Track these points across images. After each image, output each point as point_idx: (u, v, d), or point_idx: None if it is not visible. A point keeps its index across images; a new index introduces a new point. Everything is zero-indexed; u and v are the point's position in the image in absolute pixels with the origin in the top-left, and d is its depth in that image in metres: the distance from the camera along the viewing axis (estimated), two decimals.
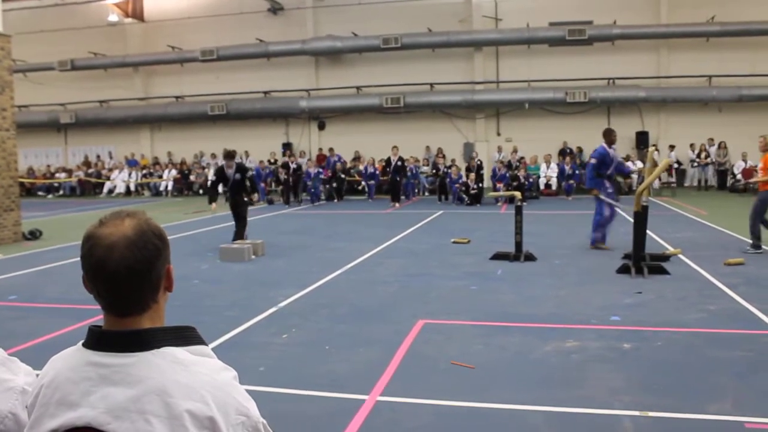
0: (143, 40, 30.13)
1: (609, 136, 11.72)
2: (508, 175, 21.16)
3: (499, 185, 20.33)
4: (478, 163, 21.81)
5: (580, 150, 24.90)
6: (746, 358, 5.41)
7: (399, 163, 21.43)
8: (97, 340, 1.46)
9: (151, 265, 1.46)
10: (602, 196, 11.36)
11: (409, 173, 22.96)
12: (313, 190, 22.56)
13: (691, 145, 24.51)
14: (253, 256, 10.97)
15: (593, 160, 11.52)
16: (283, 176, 22.52)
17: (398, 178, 21.18)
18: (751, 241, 10.73)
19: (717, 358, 5.43)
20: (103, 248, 1.43)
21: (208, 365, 1.48)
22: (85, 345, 1.48)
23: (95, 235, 1.46)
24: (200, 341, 1.54)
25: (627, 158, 24.68)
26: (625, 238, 11.16)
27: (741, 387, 4.77)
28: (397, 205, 20.27)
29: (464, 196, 20.56)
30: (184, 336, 1.51)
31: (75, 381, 1.43)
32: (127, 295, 1.45)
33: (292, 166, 22.38)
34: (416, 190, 24.04)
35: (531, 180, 22.94)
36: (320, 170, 23.41)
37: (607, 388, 4.80)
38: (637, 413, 4.31)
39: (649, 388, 4.76)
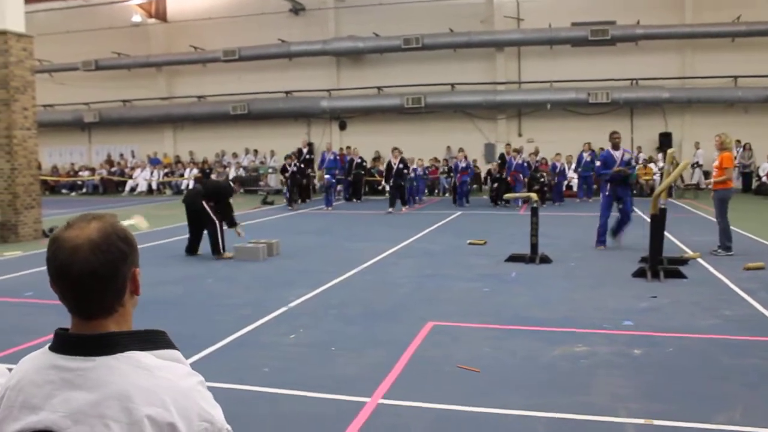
0: (166, 41, 30.37)
1: (613, 138, 11.82)
2: (525, 164, 20.18)
3: (516, 176, 19.60)
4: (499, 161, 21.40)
5: (603, 150, 24.60)
6: (759, 366, 5.29)
7: (401, 166, 19.14)
8: (62, 343, 1.45)
9: (116, 268, 1.45)
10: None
11: (412, 174, 20.99)
12: (325, 193, 20.48)
13: (696, 144, 24.14)
14: (267, 256, 10.98)
15: (598, 163, 12.02)
16: (282, 179, 21.06)
17: (402, 183, 19.15)
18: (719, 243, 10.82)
19: (729, 365, 5.32)
20: (67, 251, 1.42)
21: (173, 370, 1.45)
22: (51, 348, 1.47)
23: (60, 238, 1.45)
24: (169, 345, 1.52)
25: (650, 159, 24.45)
26: (643, 241, 11.01)
27: (752, 396, 4.67)
28: (391, 210, 18.46)
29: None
30: (152, 340, 1.49)
31: (38, 384, 1.42)
32: (92, 299, 1.43)
33: (291, 168, 20.56)
34: (416, 197, 22.00)
35: (555, 181, 22.57)
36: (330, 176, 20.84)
37: (614, 394, 4.72)
38: (642, 421, 4.22)
39: (657, 396, 4.68)
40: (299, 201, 21.05)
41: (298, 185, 21.08)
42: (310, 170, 22.89)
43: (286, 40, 27.97)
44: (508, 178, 19.80)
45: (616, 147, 11.69)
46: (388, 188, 19.87)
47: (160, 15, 30.40)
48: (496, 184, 20.64)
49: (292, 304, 7.52)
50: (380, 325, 6.69)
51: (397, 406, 4.52)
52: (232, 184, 11.85)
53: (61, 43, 28.56)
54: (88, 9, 29.47)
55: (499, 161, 21.08)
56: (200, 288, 8.66)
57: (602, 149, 24.01)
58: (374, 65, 27.94)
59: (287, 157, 21.28)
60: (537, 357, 5.60)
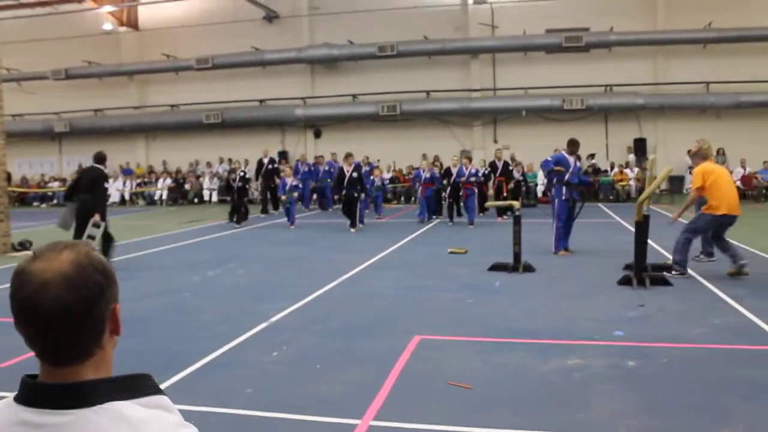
0: (138, 49, 29.94)
1: (571, 146, 11.94)
2: (482, 174, 18.18)
3: (470, 188, 16.97)
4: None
5: (578, 158, 24.67)
6: (758, 377, 5.16)
7: (355, 174, 16.33)
8: (30, 394, 1.23)
9: (92, 305, 1.23)
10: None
11: (370, 185, 18.63)
12: (287, 206, 17.22)
13: (689, 152, 24.29)
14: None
15: (549, 158, 11.94)
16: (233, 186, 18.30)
17: (355, 194, 16.16)
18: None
19: (725, 377, 5.19)
20: (34, 286, 1.20)
21: (162, 422, 1.23)
22: (16, 399, 1.25)
23: (25, 271, 1.23)
24: (155, 391, 1.29)
25: (626, 165, 24.56)
26: (625, 248, 10.94)
27: (752, 409, 4.52)
28: (352, 230, 15.90)
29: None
30: (135, 386, 1.27)
31: None
32: (63, 341, 1.22)
33: (236, 184, 18.02)
34: (378, 211, 19.91)
35: (528, 186, 22.73)
36: (298, 184, 18.86)
37: (612, 410, 4.56)
38: None
39: (656, 411, 4.52)
40: (247, 216, 18.31)
41: (242, 200, 18.33)
42: (272, 183, 21.41)
43: (259, 48, 27.73)
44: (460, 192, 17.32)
45: (573, 153, 11.86)
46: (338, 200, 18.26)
47: (132, 23, 30.00)
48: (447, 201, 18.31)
49: (273, 319, 7.27)
50: (365, 339, 6.48)
51: (390, 428, 4.31)
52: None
53: (29, 51, 28.03)
54: (57, 17, 28.96)
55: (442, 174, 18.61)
56: (176, 303, 8.38)
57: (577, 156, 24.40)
58: (349, 73, 27.77)
59: (231, 171, 19.15)
60: (529, 371, 5.43)
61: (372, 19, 26.60)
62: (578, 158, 12.46)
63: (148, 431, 1.20)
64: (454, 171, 17.43)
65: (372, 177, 19.62)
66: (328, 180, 21.90)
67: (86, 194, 11.02)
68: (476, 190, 17.32)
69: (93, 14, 29.26)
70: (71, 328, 1.21)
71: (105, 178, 11.49)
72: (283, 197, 17.27)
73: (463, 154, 18.96)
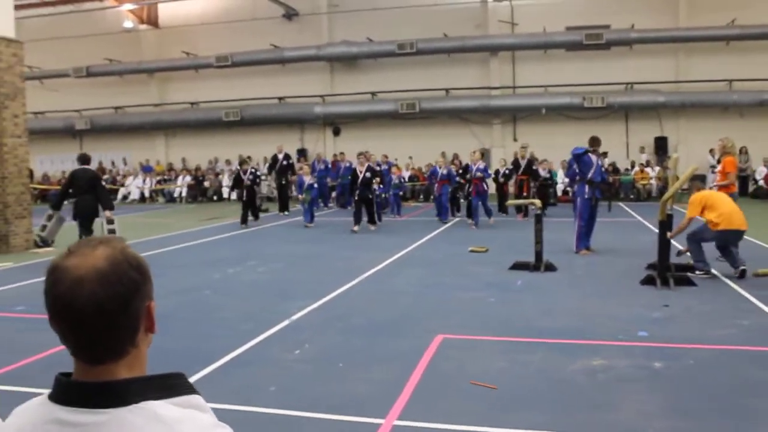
0: (158, 47, 30.09)
1: (593, 143, 11.84)
2: (503, 172, 18.28)
3: (479, 184, 16.22)
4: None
5: (605, 155, 24.51)
6: None
7: (368, 174, 15.83)
8: (64, 393, 1.21)
9: (127, 302, 1.21)
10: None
11: (376, 187, 17.23)
12: (306, 205, 16.66)
13: (711, 151, 24.03)
14: None
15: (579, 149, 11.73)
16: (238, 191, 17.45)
17: (369, 195, 15.70)
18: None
19: (756, 379, 5.11)
20: (69, 283, 1.18)
21: (196, 422, 1.21)
22: (51, 398, 1.22)
23: (60, 267, 1.21)
24: (189, 390, 1.27)
25: (647, 164, 24.33)
26: (647, 247, 10.83)
27: None
28: (356, 228, 15.32)
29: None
30: (170, 386, 1.25)
31: None
32: (98, 339, 1.20)
33: (246, 178, 17.06)
34: (394, 210, 19.60)
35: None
36: (314, 184, 18.05)
37: (639, 411, 4.50)
38: None
39: (684, 413, 4.46)
40: (255, 217, 17.47)
41: (252, 198, 17.32)
42: (284, 179, 20.99)
43: (279, 46, 27.75)
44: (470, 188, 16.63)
45: (594, 151, 11.81)
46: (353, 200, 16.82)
47: (152, 21, 30.15)
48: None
49: (294, 317, 7.27)
50: (387, 338, 6.45)
51: (414, 428, 4.27)
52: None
53: (51, 49, 28.24)
54: (79, 15, 29.18)
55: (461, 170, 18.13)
56: (198, 301, 8.39)
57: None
58: (368, 70, 27.73)
59: (242, 163, 17.90)
60: (554, 371, 5.37)
61: (391, 16, 26.54)
62: (605, 155, 12.38)
63: (183, 431, 1.18)
64: (473, 167, 16.76)
65: (391, 175, 19.34)
66: (349, 177, 21.54)
67: (87, 194, 11.36)
68: (486, 187, 16.64)
69: (114, 12, 29.44)
70: (106, 326, 1.19)
71: (100, 177, 11.80)
72: (301, 196, 16.87)
73: (476, 151, 17.31)
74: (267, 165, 23.10)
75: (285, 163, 21.25)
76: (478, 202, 16.26)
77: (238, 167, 18.24)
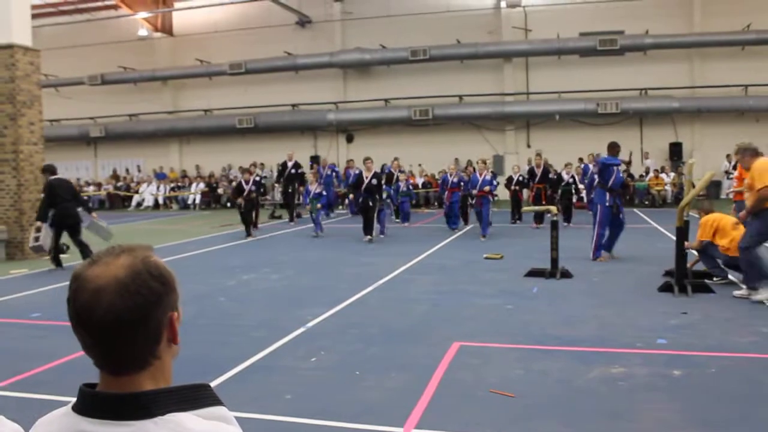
0: (172, 54, 30.30)
1: (612, 149, 11.63)
2: (518, 178, 17.72)
3: (483, 196, 15.25)
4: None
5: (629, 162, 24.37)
6: None
7: (374, 181, 15.10)
8: (88, 404, 1.19)
9: (147, 314, 1.19)
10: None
11: (395, 191, 18.03)
12: (313, 216, 16.16)
13: (727, 156, 23.85)
14: None
15: (595, 168, 11.55)
16: (240, 200, 16.25)
17: (371, 203, 14.85)
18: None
19: None
20: (89, 293, 1.17)
21: None
22: (74, 408, 1.20)
23: (81, 277, 1.20)
24: (214, 401, 1.25)
25: (662, 170, 24.17)
26: (663, 254, 10.74)
27: None
28: (366, 239, 14.75)
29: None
30: (195, 397, 1.22)
31: None
32: (118, 350, 1.18)
33: (249, 187, 16.23)
34: (404, 218, 18.93)
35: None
36: (322, 192, 17.24)
37: (661, 421, 4.43)
38: None
39: (707, 423, 4.39)
40: (255, 226, 16.77)
41: (255, 207, 16.75)
42: (291, 188, 20.03)
43: (292, 53, 27.86)
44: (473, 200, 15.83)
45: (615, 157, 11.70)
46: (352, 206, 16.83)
47: (167, 29, 30.34)
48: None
49: (309, 325, 7.24)
50: (404, 345, 6.41)
51: None
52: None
53: (67, 57, 28.54)
54: (94, 23, 29.44)
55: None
56: (212, 307, 8.38)
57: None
58: (381, 77, 27.77)
59: (244, 171, 17.24)
60: (573, 379, 5.31)
61: (404, 23, 26.60)
62: (629, 165, 12.34)
63: None
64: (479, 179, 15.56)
65: (399, 182, 18.90)
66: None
67: (69, 201, 11.70)
68: (491, 199, 15.79)
69: (129, 21, 29.68)
70: (125, 336, 1.17)
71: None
72: (308, 206, 16.41)
73: (482, 160, 16.27)
74: (276, 173, 22.73)
75: (294, 171, 20.45)
76: (488, 210, 15.33)
77: (240, 175, 17.37)
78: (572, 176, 18.19)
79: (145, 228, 20.10)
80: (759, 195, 7.74)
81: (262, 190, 17.23)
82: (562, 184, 17.88)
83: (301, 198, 20.01)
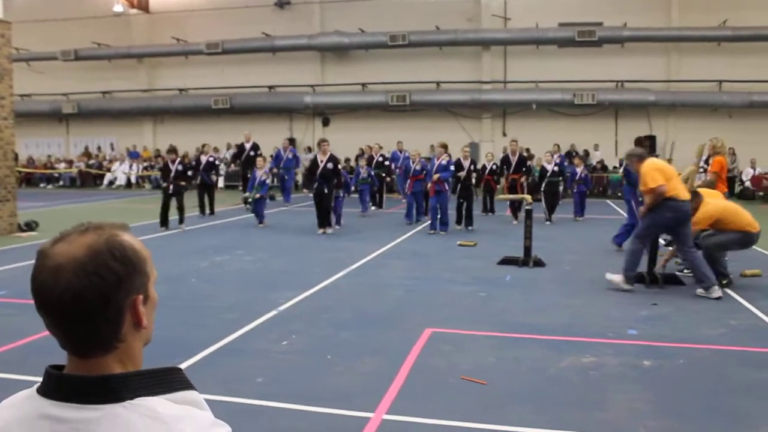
0: (148, 32, 29.80)
1: (640, 146, 11.54)
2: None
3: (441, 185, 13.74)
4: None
5: (587, 153, 24.59)
6: None
7: (329, 166, 13.42)
8: (54, 387, 1.13)
9: (106, 295, 1.13)
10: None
11: (355, 178, 17.21)
12: (249, 208, 14.98)
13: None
14: None
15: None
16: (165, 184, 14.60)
17: (325, 190, 13.39)
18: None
19: (747, 379, 5.09)
20: (49, 270, 1.12)
21: (196, 421, 1.14)
22: (39, 391, 1.15)
23: (44, 254, 1.15)
24: (185, 385, 1.20)
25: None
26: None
27: None
28: (325, 230, 13.53)
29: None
30: (165, 381, 1.18)
31: None
32: (79, 331, 1.13)
33: (174, 167, 14.54)
34: (362, 208, 17.43)
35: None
36: (266, 180, 15.46)
37: (631, 410, 4.47)
38: None
39: (676, 413, 4.43)
40: (180, 220, 14.35)
41: (179, 193, 14.45)
42: (249, 172, 17.64)
43: (270, 34, 27.56)
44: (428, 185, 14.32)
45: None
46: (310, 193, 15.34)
47: (143, 5, 29.81)
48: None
49: (281, 308, 7.19)
50: (376, 331, 6.40)
51: (403, 423, 4.22)
52: None
53: (39, 31, 27.92)
54: None
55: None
56: (184, 289, 8.29)
57: (586, 151, 24.08)
58: (359, 61, 27.60)
59: (169, 151, 14.94)
60: (544, 368, 5.33)
61: (384, 7, 26.44)
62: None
63: (181, 430, 1.11)
64: (465, 164, 14.65)
65: (359, 168, 17.76)
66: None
67: None
68: (447, 187, 14.30)
69: None
70: (85, 317, 1.12)
71: None
72: (247, 194, 14.92)
73: (439, 144, 14.52)
74: (232, 154, 21.65)
75: (253, 153, 19.33)
76: (436, 203, 13.78)
77: (166, 155, 15.15)
78: (556, 164, 16.15)
79: (116, 207, 19.86)
80: (654, 193, 7.94)
81: (189, 174, 15.19)
82: (547, 175, 15.92)
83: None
